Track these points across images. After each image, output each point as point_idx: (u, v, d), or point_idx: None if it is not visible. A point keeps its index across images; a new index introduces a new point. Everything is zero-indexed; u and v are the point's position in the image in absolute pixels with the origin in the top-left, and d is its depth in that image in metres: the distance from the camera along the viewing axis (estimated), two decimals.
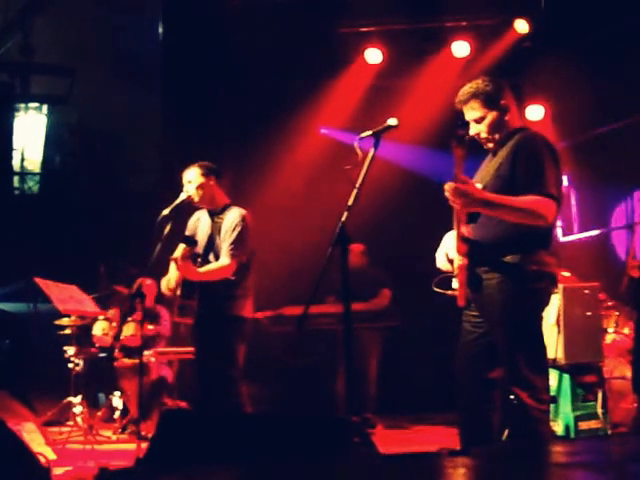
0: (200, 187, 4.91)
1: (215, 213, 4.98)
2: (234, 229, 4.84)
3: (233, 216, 4.90)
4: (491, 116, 3.73)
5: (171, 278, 4.84)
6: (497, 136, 3.75)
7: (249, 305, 4.91)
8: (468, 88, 3.76)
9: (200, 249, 4.91)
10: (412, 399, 7.86)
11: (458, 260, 3.63)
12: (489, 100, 3.72)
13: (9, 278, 8.44)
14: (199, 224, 5.04)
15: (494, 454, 3.21)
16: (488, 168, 3.76)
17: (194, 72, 8.42)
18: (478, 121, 3.74)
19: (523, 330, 3.60)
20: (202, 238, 4.96)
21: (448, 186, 3.53)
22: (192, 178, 4.92)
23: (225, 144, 8.43)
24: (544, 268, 3.60)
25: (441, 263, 3.82)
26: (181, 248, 4.72)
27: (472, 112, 3.74)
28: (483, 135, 3.76)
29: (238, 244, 4.81)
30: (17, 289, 8.42)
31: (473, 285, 3.65)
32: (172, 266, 4.86)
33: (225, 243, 4.83)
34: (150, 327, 6.85)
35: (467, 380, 3.74)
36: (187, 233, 5.02)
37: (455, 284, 3.69)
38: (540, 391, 3.58)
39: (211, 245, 4.91)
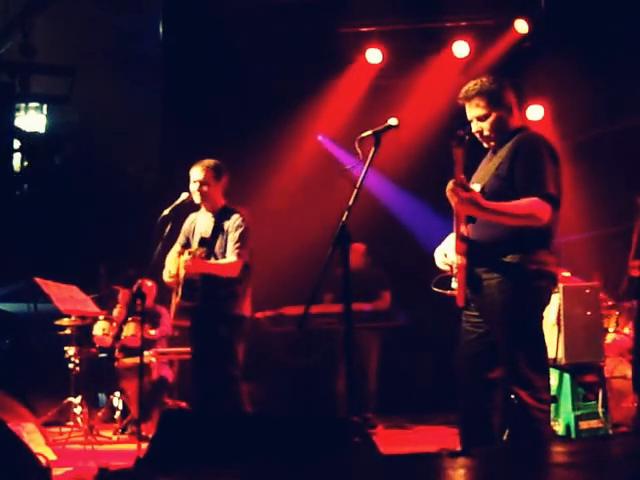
0: (209, 187, 4.91)
1: (214, 215, 4.98)
2: (237, 229, 4.86)
3: (234, 216, 4.92)
4: (495, 115, 3.73)
5: (171, 269, 4.86)
6: (498, 135, 3.75)
7: (248, 304, 4.92)
8: (473, 85, 3.75)
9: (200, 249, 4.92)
10: (412, 399, 7.87)
11: (457, 260, 3.63)
12: (494, 99, 3.72)
13: (9, 278, 8.43)
14: (196, 225, 5.04)
15: (494, 454, 3.21)
16: (487, 168, 3.76)
17: (194, 72, 8.42)
18: (481, 119, 3.74)
19: (523, 329, 3.59)
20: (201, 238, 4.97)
21: (449, 185, 3.54)
22: (202, 177, 4.91)
23: (225, 144, 8.41)
24: (544, 267, 3.60)
25: (439, 261, 3.82)
26: (196, 250, 4.75)
27: (476, 109, 3.74)
28: (485, 133, 3.76)
29: (243, 243, 4.83)
30: (17, 289, 8.40)
31: (472, 285, 3.65)
32: (170, 258, 4.89)
33: (230, 243, 4.84)
34: (152, 332, 6.85)
35: (467, 381, 3.74)
36: (183, 235, 5.04)
37: (454, 284, 3.69)
38: (540, 391, 3.57)
39: (212, 246, 4.91)
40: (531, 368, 3.55)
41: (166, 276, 4.94)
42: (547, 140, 3.74)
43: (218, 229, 4.93)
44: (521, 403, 3.54)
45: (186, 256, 4.76)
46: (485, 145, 3.83)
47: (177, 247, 5.02)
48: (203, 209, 5.05)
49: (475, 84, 3.75)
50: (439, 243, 3.86)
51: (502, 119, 3.73)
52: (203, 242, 4.84)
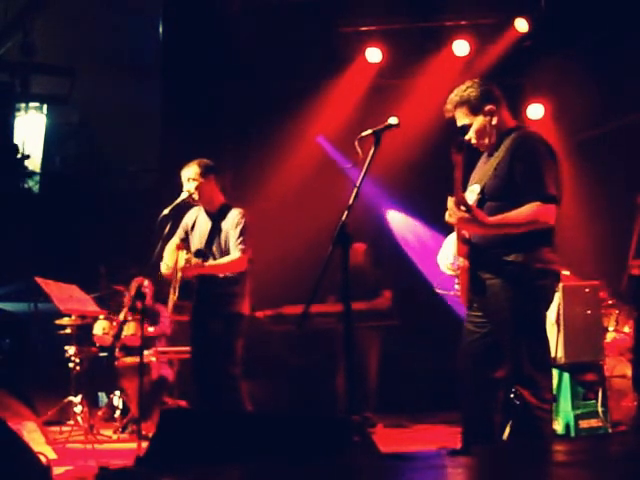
0: (199, 185, 4.91)
1: (214, 214, 4.99)
2: (237, 226, 4.87)
3: (233, 214, 4.93)
4: (477, 122, 3.75)
5: (169, 262, 4.88)
6: (486, 140, 3.76)
7: (247, 302, 4.93)
8: (453, 96, 3.79)
9: (200, 247, 4.93)
10: (412, 398, 7.86)
11: (460, 262, 3.64)
12: (472, 107, 3.74)
13: (9, 278, 8.44)
14: (197, 223, 5.04)
15: (494, 453, 3.21)
16: (485, 168, 3.76)
17: (194, 72, 8.42)
18: (466, 128, 3.76)
19: (527, 328, 3.59)
20: (201, 237, 4.97)
21: (450, 203, 3.54)
22: (191, 176, 4.93)
23: (225, 144, 8.43)
24: (548, 266, 3.60)
25: (444, 267, 3.82)
26: (182, 257, 4.76)
27: (459, 120, 3.79)
28: (473, 142, 3.78)
29: (245, 238, 4.84)
30: (17, 289, 8.41)
31: (476, 286, 3.65)
32: (168, 251, 4.89)
33: (232, 239, 4.85)
34: (151, 329, 6.85)
35: (469, 380, 3.74)
36: (182, 229, 5.05)
37: (457, 285, 3.69)
38: (543, 390, 3.57)
39: (210, 245, 4.91)
40: (535, 367, 3.56)
41: (164, 268, 4.96)
42: (544, 138, 3.74)
43: (216, 229, 4.93)
44: (523, 402, 3.54)
45: (182, 259, 4.76)
46: (481, 150, 3.85)
47: (176, 240, 5.02)
48: (203, 208, 5.06)
49: (455, 95, 3.79)
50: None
51: (485, 125, 3.74)
52: (198, 254, 4.85)
